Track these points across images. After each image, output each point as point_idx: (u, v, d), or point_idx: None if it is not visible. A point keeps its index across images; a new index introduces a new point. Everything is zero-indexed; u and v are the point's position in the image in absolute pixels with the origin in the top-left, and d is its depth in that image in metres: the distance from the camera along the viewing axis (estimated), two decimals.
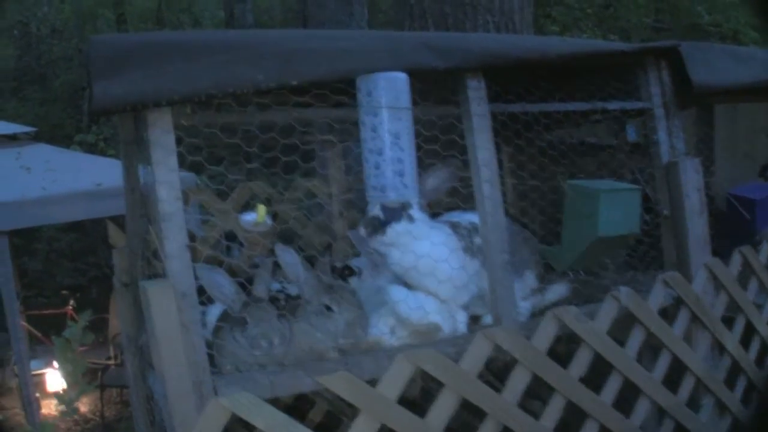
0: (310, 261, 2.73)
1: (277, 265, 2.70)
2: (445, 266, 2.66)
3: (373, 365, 2.51)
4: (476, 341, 2.52)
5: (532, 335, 2.63)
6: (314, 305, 2.61)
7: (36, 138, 8.21)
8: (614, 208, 3.05)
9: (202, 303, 2.82)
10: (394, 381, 2.39)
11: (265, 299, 2.60)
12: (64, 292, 9.66)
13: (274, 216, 3.18)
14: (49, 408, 8.01)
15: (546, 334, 2.65)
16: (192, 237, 2.51)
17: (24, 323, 8.44)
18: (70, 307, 8.76)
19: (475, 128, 2.65)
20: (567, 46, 3.20)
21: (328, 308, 2.60)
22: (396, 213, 2.63)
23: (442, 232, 2.76)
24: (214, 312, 2.80)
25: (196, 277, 2.49)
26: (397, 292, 2.66)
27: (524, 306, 2.93)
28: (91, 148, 10.86)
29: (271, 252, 2.71)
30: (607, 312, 2.81)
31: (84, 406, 7.92)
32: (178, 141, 2.23)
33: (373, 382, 2.35)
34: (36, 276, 11.00)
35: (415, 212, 2.71)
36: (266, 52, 2.31)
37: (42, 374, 8.15)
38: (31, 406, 7.17)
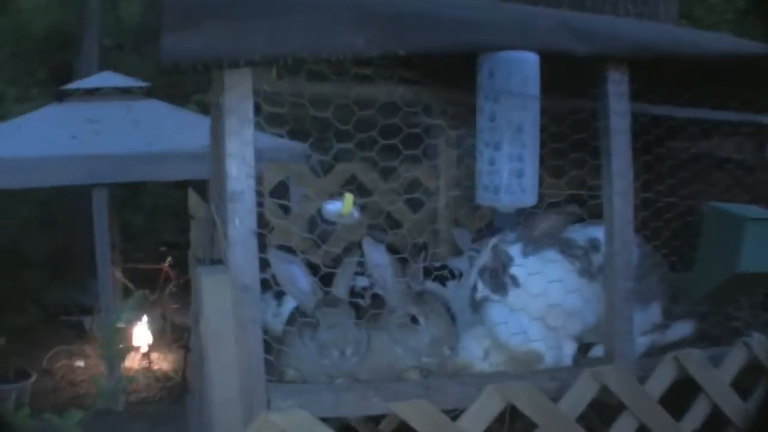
0: (403, 262, 2.40)
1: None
2: (557, 288, 2.26)
3: (458, 393, 2.14)
4: (582, 380, 2.17)
5: (645, 378, 2.26)
6: (399, 315, 2.26)
7: (149, 94, 8.15)
8: (760, 241, 2.57)
9: (278, 294, 2.54)
10: (480, 416, 2.05)
11: (343, 301, 2.26)
12: (162, 248, 9.70)
13: (363, 207, 2.81)
14: (132, 361, 8.06)
15: (663, 379, 2.29)
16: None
17: (119, 275, 8.56)
18: (167, 264, 8.76)
19: (613, 129, 2.21)
20: (730, 45, 2.71)
21: (414, 320, 2.24)
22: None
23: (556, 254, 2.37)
24: (291, 305, 2.50)
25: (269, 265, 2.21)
26: (498, 312, 2.28)
27: (642, 342, 2.49)
28: (207, 109, 10.80)
29: (358, 247, 2.37)
30: (734, 360, 2.44)
31: (167, 364, 7.95)
32: (258, 109, 1.91)
33: (451, 412, 2.05)
34: (138, 230, 11.13)
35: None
36: (372, 14, 1.94)
37: (129, 328, 8.21)
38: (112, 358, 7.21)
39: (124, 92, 8.01)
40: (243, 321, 1.90)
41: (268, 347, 2.01)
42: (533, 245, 2.32)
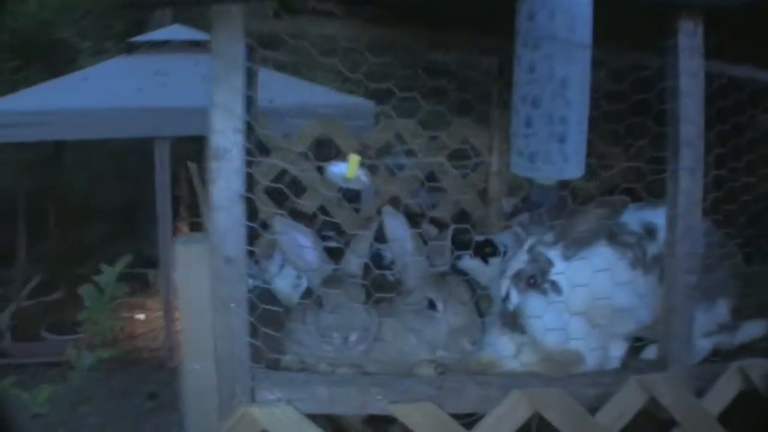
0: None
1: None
2: (602, 280, 1.90)
3: (478, 395, 1.83)
4: (626, 389, 1.85)
5: (704, 390, 1.92)
6: (414, 298, 1.96)
7: None
8: None
9: None
10: (501, 425, 1.77)
11: (354, 278, 1.96)
12: None
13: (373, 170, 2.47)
14: None
15: (724, 393, 1.95)
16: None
17: (185, 229, 8.47)
18: None
19: (682, 90, 1.83)
20: None
21: (431, 305, 1.94)
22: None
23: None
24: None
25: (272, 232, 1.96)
26: (535, 304, 1.93)
27: (703, 345, 2.12)
28: (277, 64, 10.59)
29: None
30: None
31: None
32: (251, 52, 1.62)
33: (468, 417, 1.78)
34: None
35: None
36: None
37: None
38: (169, 312, 7.16)
39: (193, 45, 7.84)
40: (224, 299, 1.64)
41: (254, 329, 1.74)
42: (575, 246, 1.95)
